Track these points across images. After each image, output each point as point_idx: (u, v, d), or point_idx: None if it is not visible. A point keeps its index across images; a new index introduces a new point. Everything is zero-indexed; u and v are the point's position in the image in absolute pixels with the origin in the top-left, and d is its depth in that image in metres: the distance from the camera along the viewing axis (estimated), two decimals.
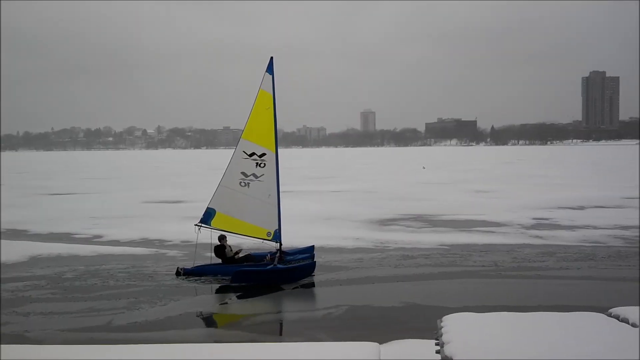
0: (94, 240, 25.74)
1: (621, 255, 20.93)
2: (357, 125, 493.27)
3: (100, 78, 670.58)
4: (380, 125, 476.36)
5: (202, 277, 18.23)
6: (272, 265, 18.42)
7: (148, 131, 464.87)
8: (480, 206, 36.19)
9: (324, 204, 38.48)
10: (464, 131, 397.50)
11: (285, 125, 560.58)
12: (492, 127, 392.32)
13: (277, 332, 13.67)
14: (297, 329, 13.42)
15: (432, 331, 11.47)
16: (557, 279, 17.76)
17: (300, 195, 46.00)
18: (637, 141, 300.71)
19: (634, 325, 9.97)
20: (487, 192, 46.46)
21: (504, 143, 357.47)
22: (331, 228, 27.84)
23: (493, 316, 10.43)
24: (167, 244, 24.49)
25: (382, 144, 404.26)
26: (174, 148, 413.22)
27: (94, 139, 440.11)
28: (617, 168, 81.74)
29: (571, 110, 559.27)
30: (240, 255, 19.39)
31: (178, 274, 18.48)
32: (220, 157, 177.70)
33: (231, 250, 19.27)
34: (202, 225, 19.17)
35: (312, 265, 18.64)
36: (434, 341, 10.28)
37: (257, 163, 19.10)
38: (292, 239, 24.35)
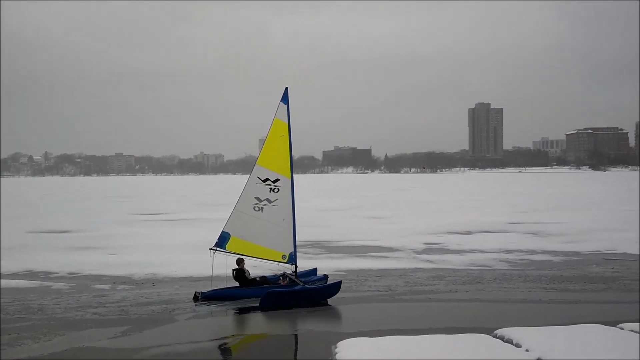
0: None
1: (506, 278, 21.96)
2: (255, 152, 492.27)
3: None
4: None
5: (223, 302, 18.21)
6: (301, 286, 18.64)
7: (34, 157, 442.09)
8: (375, 232, 36.98)
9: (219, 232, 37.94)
10: (359, 159, 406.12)
11: (182, 151, 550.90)
12: (386, 155, 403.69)
13: None
14: None
15: (327, 357, 11.54)
16: (447, 302, 18.38)
17: (195, 223, 45.20)
18: (519, 169, 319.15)
19: (517, 345, 10.48)
20: (380, 218, 47.59)
21: (397, 171, 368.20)
22: (227, 256, 27.39)
23: (386, 340, 10.66)
24: (52, 276, 23.23)
25: None
26: (62, 175, 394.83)
27: None
28: (501, 195, 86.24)
29: (459, 139, 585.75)
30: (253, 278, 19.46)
31: (196, 299, 18.37)
32: (112, 184, 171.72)
33: (249, 273, 19.33)
34: (217, 249, 19.29)
35: (338, 285, 18.84)
36: None
37: (270, 188, 19.47)
38: (191, 269, 23.82)
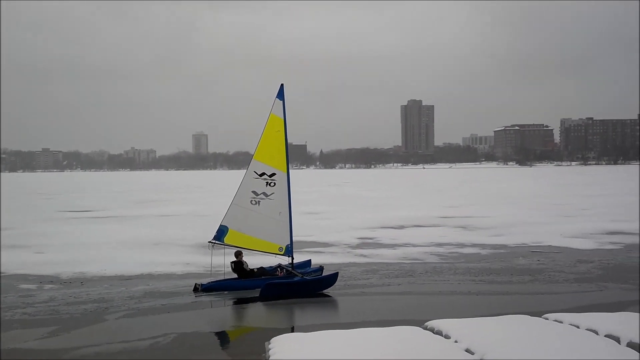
0: None
1: (437, 271, 22.47)
2: (189, 147, 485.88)
3: None
4: (213, 148, 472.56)
5: (222, 293, 18.85)
6: (299, 277, 19.35)
7: None
8: (309, 227, 37.08)
9: (152, 229, 37.32)
10: (294, 155, 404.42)
11: (112, 147, 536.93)
12: (321, 151, 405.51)
13: None
14: None
15: (261, 354, 11.52)
16: (380, 295, 18.67)
17: (127, 220, 44.25)
18: (450, 165, 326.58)
19: (446, 336, 10.74)
20: (316, 213, 47.79)
21: (332, 166, 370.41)
22: (160, 253, 27.03)
23: (319, 335, 10.72)
24: None
25: (215, 167, 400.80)
26: None
27: None
28: (433, 189, 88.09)
29: (392, 136, 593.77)
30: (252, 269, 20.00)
31: (195, 289, 18.93)
32: (39, 181, 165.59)
33: (247, 265, 19.83)
34: (216, 242, 19.77)
35: (335, 276, 19.46)
36: None
37: (267, 182, 20.02)
38: (120, 267, 23.33)
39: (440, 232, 34.54)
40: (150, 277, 21.66)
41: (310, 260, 22.21)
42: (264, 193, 19.96)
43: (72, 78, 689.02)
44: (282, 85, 20.18)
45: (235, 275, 19.68)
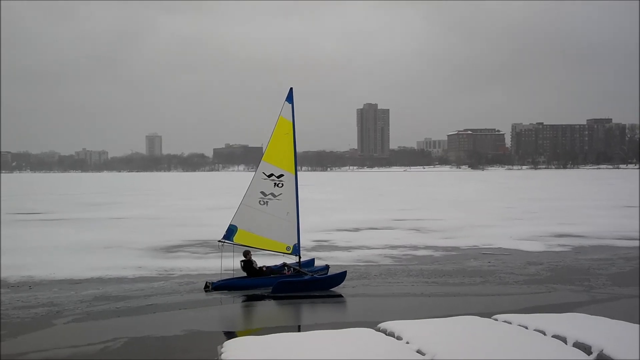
0: None
1: (391, 273, 22.66)
2: (142, 149, 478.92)
3: None
4: (167, 149, 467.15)
5: (233, 291, 19.22)
6: (310, 276, 19.91)
7: None
8: None
9: (103, 232, 36.64)
10: (250, 157, 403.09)
11: (62, 148, 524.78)
12: None
13: None
14: None
15: (213, 358, 11.42)
16: (333, 297, 18.76)
17: (77, 222, 43.35)
18: (404, 168, 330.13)
19: (398, 338, 10.83)
20: None
21: None
22: (110, 257, 26.52)
23: (272, 338, 10.70)
24: None
25: (169, 169, 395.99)
26: None
27: None
28: (387, 192, 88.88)
29: (348, 139, 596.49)
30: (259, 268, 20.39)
31: (206, 288, 19.25)
32: None
33: (256, 264, 20.25)
34: (225, 241, 20.30)
35: (344, 275, 20.05)
36: None
37: (275, 183, 20.48)
38: (70, 270, 22.85)
39: (394, 234, 34.86)
40: (100, 281, 21.25)
41: (314, 259, 22.83)
42: (272, 194, 20.48)
43: (18, 80, 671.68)
44: (291, 89, 20.64)
45: (244, 274, 20.10)
